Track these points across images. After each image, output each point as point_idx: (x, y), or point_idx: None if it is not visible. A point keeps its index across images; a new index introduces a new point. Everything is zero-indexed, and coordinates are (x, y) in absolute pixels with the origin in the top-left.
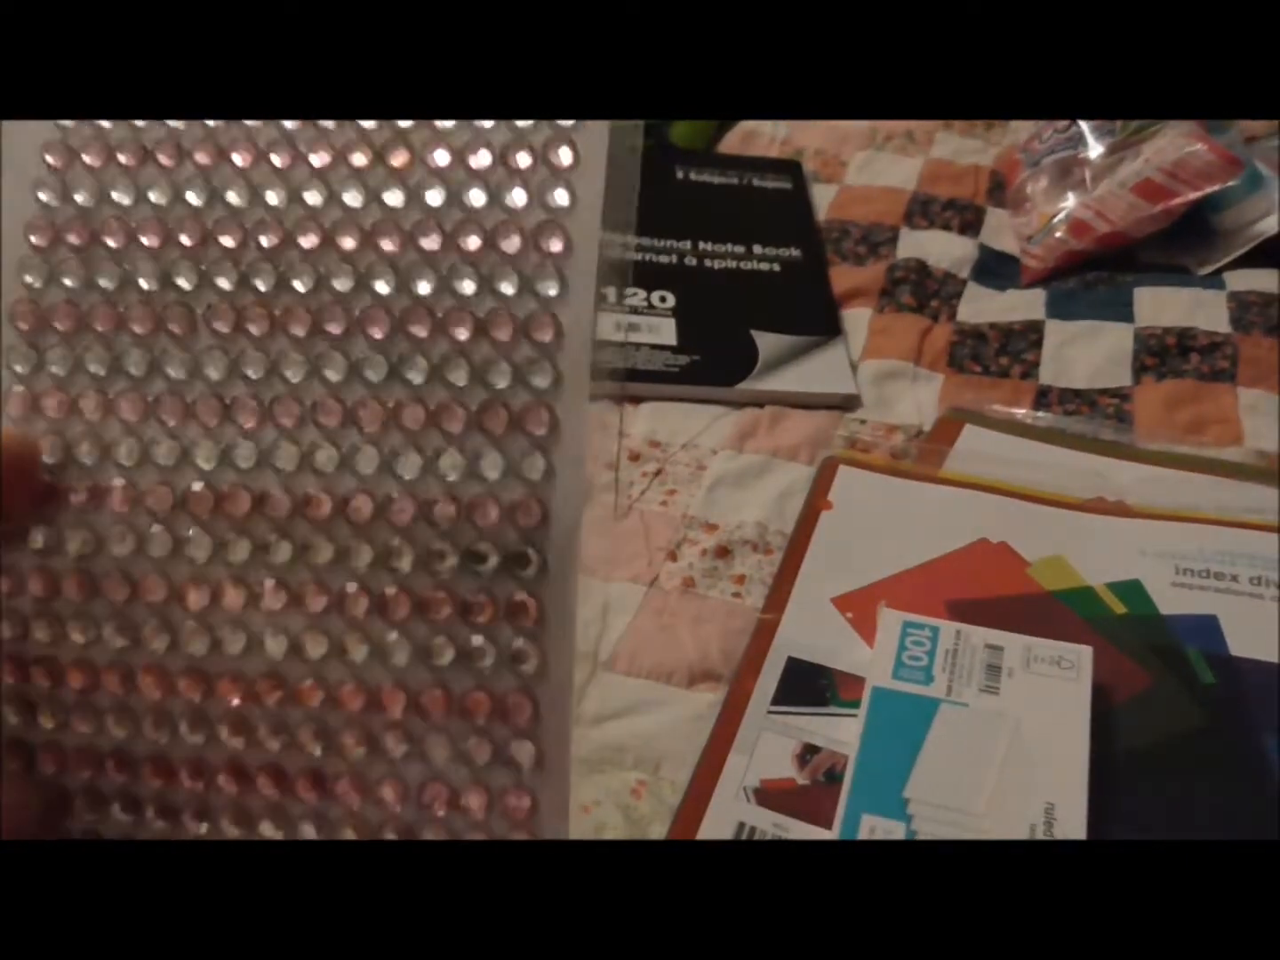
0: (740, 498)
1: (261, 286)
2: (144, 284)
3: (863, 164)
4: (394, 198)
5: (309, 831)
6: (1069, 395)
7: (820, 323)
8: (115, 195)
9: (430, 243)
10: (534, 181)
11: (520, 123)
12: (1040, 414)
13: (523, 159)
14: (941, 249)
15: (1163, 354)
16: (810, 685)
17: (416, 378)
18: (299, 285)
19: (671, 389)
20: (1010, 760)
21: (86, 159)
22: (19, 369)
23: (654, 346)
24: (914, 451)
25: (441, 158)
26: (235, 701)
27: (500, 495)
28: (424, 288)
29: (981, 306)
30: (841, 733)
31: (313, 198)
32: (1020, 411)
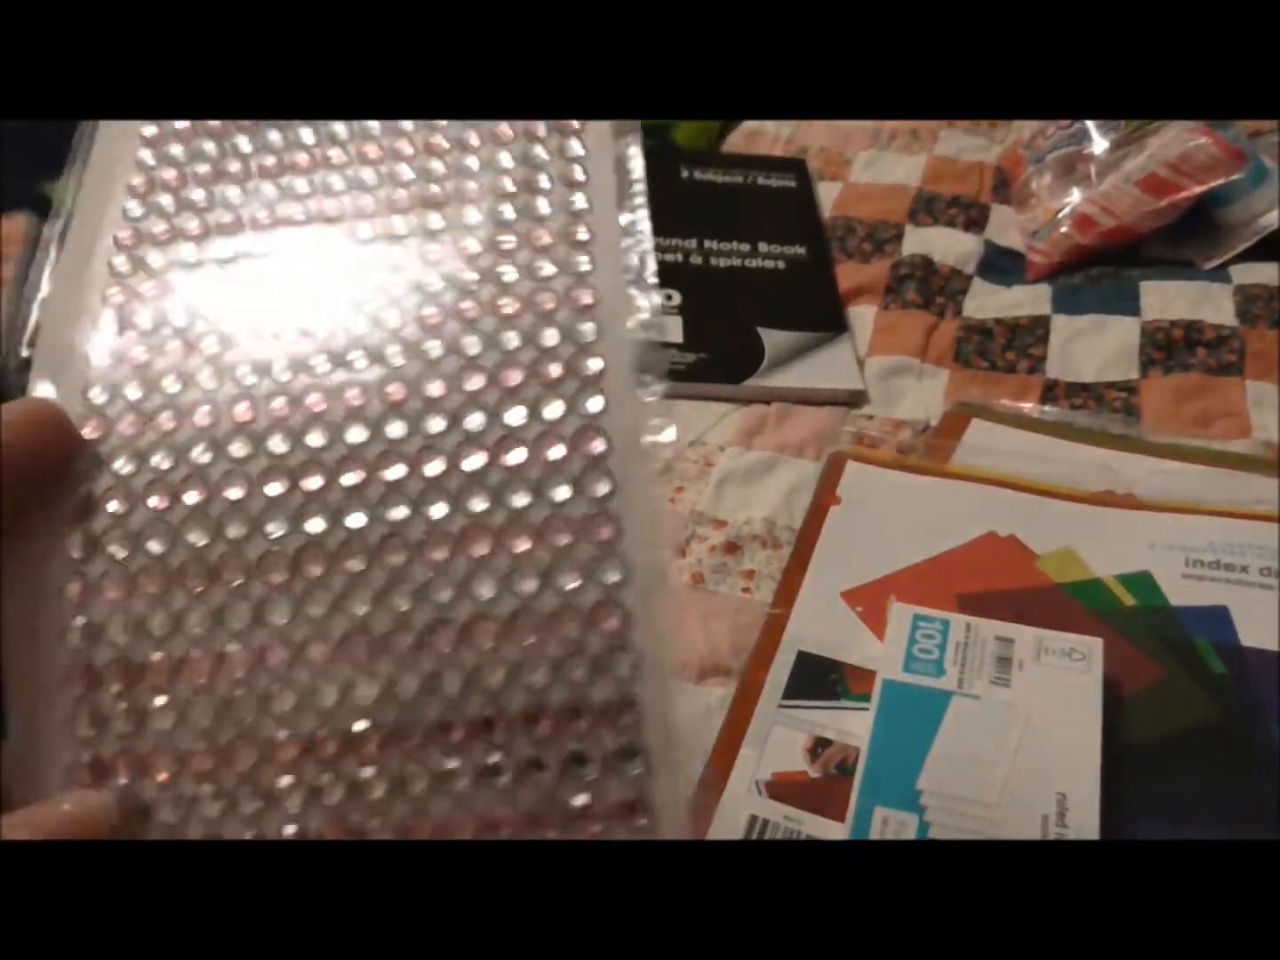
0: (748, 494)
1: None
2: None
3: (867, 162)
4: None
5: None
6: (1076, 389)
7: (826, 320)
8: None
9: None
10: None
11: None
12: (1047, 408)
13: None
14: (947, 245)
15: (1169, 348)
16: (821, 679)
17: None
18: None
19: (678, 386)
20: (1022, 752)
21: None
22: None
23: (660, 345)
24: (921, 446)
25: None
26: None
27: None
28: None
29: (987, 302)
30: (853, 726)
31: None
32: (1027, 406)
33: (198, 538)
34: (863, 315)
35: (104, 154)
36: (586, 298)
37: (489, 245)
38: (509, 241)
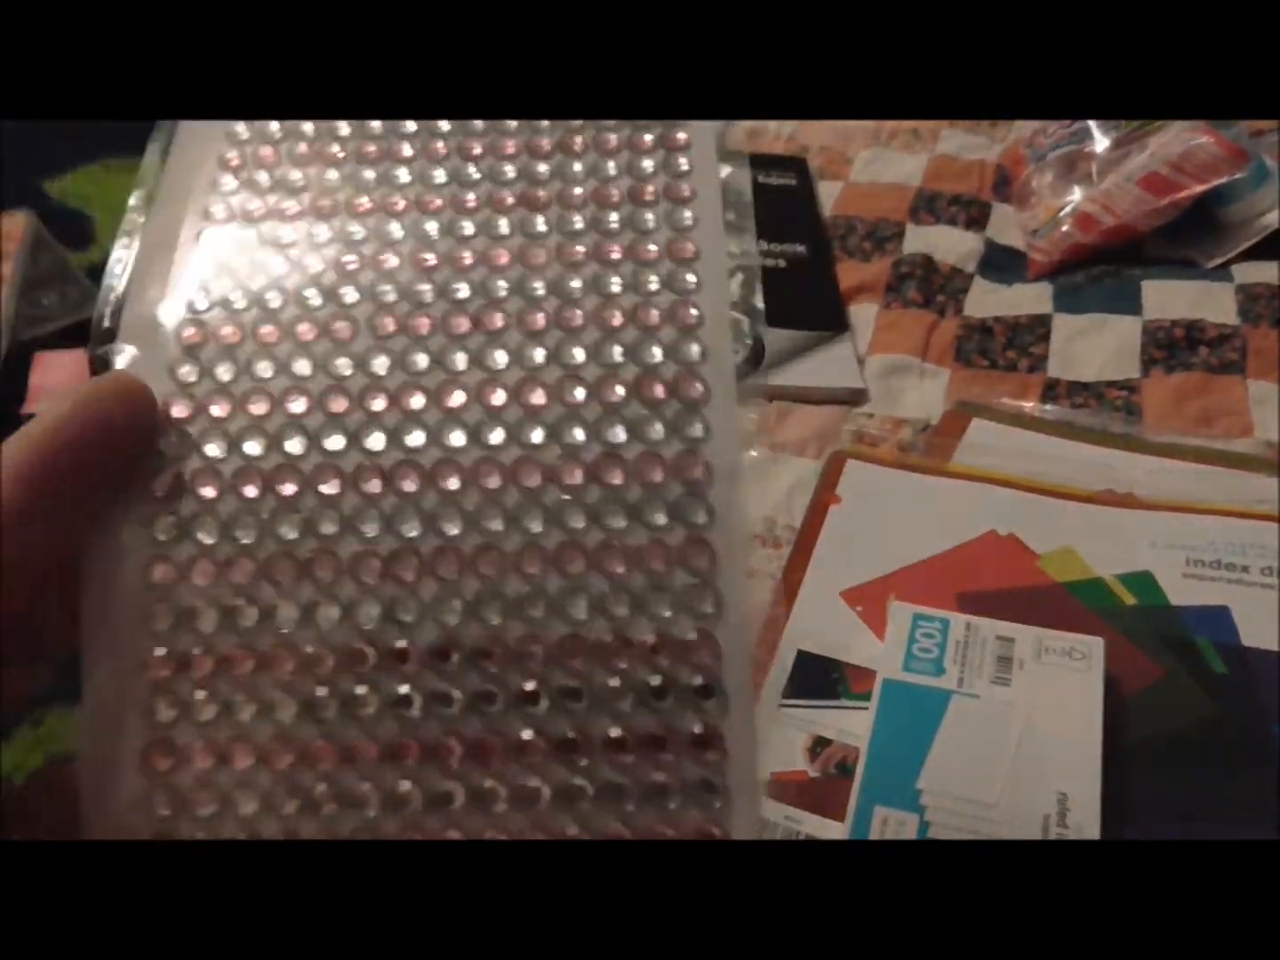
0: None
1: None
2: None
3: (868, 160)
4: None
5: None
6: (1077, 388)
7: (827, 318)
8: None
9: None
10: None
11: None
12: (1048, 407)
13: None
14: (947, 244)
15: (1171, 346)
16: (821, 678)
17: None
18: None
19: None
20: (1022, 751)
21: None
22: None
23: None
24: (922, 445)
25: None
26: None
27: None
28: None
29: (988, 301)
30: (853, 725)
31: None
32: (1028, 405)
33: (289, 531)
34: (864, 313)
35: (195, 125)
36: (691, 317)
37: (594, 253)
38: (614, 252)
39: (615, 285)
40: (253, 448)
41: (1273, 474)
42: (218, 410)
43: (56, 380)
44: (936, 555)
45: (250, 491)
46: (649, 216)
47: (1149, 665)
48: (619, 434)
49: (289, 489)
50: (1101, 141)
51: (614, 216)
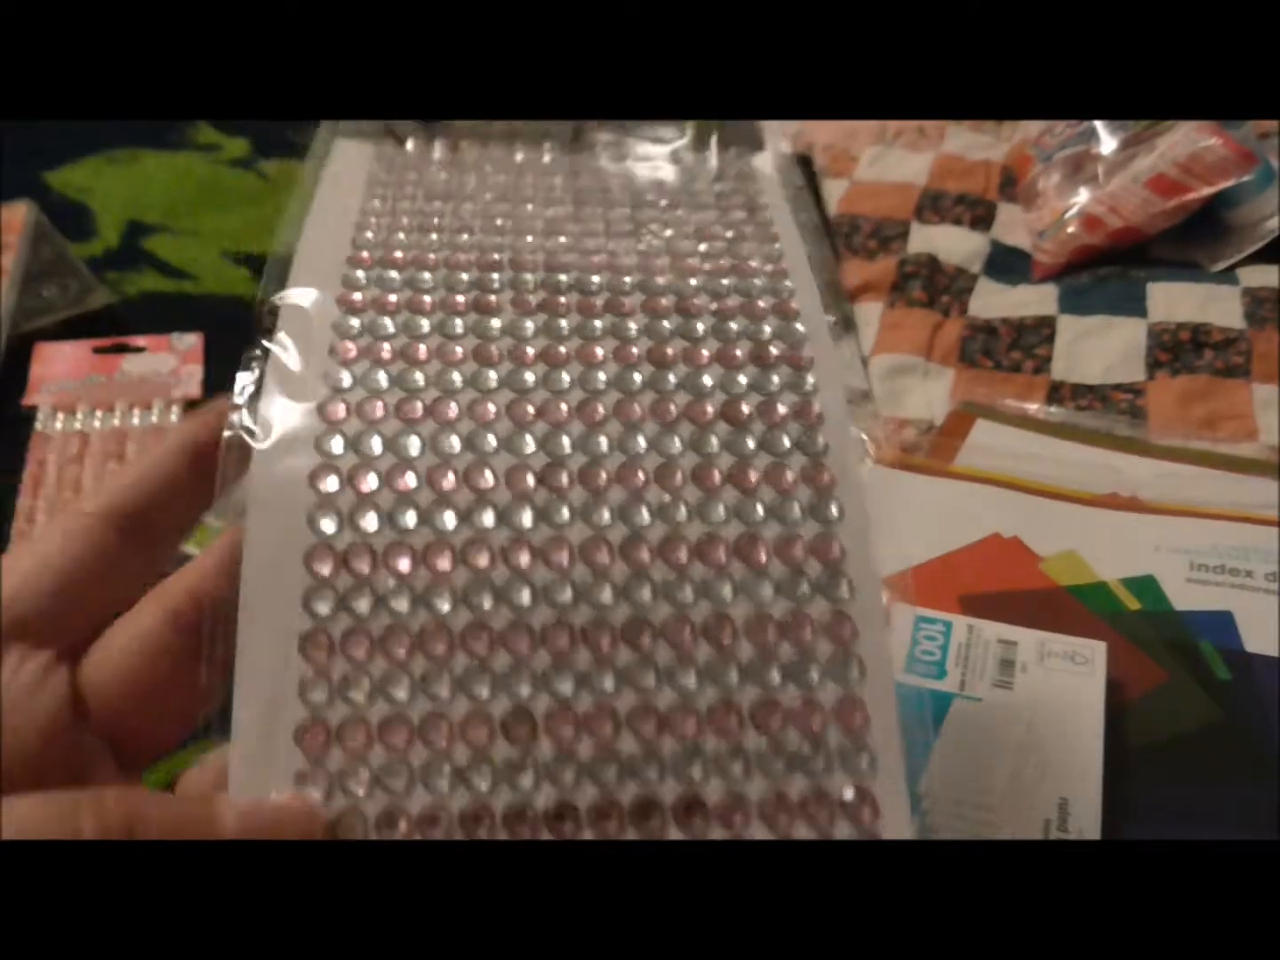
0: None
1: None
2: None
3: (873, 159)
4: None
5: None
6: (1082, 390)
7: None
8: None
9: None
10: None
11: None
12: (1053, 409)
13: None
14: (953, 244)
15: (1176, 349)
16: None
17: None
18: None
19: None
20: (1024, 755)
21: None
22: (316, 699)
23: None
24: (925, 446)
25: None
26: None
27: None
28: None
29: (993, 301)
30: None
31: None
32: (1032, 406)
33: (442, 604)
34: (868, 313)
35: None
36: (824, 478)
37: (722, 411)
38: (745, 410)
39: (749, 445)
40: (405, 520)
41: (1276, 478)
42: (361, 478)
43: (57, 372)
44: (939, 557)
45: (403, 566)
46: (774, 378)
47: (1152, 669)
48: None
49: (445, 564)
50: (1108, 143)
51: (741, 377)
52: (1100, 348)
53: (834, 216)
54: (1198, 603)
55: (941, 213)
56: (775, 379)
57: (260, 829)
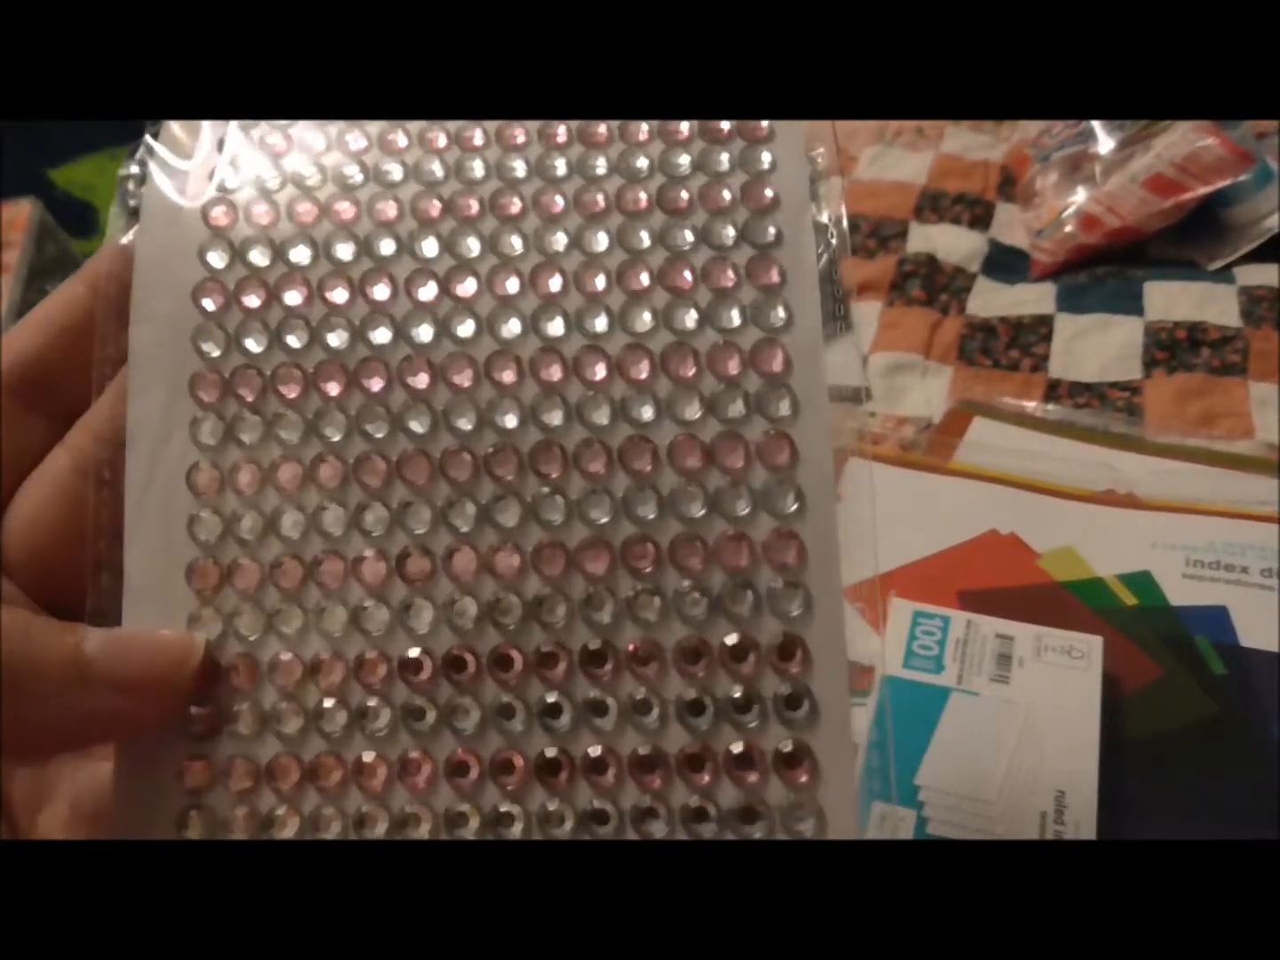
0: None
1: (462, 333)
2: (333, 341)
3: (872, 158)
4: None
5: None
6: (1079, 388)
7: (829, 316)
8: (292, 254)
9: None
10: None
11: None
12: (1050, 407)
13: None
14: (951, 243)
15: (1173, 348)
16: None
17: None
18: (506, 330)
19: None
20: (1021, 749)
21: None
22: (207, 441)
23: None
24: (924, 443)
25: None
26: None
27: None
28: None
29: (991, 300)
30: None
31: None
32: (1030, 404)
33: (333, 433)
34: (867, 311)
35: None
36: (772, 275)
37: (658, 197)
38: (685, 196)
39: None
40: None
41: (1273, 475)
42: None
43: None
44: (937, 553)
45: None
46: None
47: (1148, 664)
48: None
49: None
50: (1106, 143)
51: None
52: (1097, 346)
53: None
54: (1193, 598)
55: (940, 212)
56: (724, 157)
57: (122, 656)
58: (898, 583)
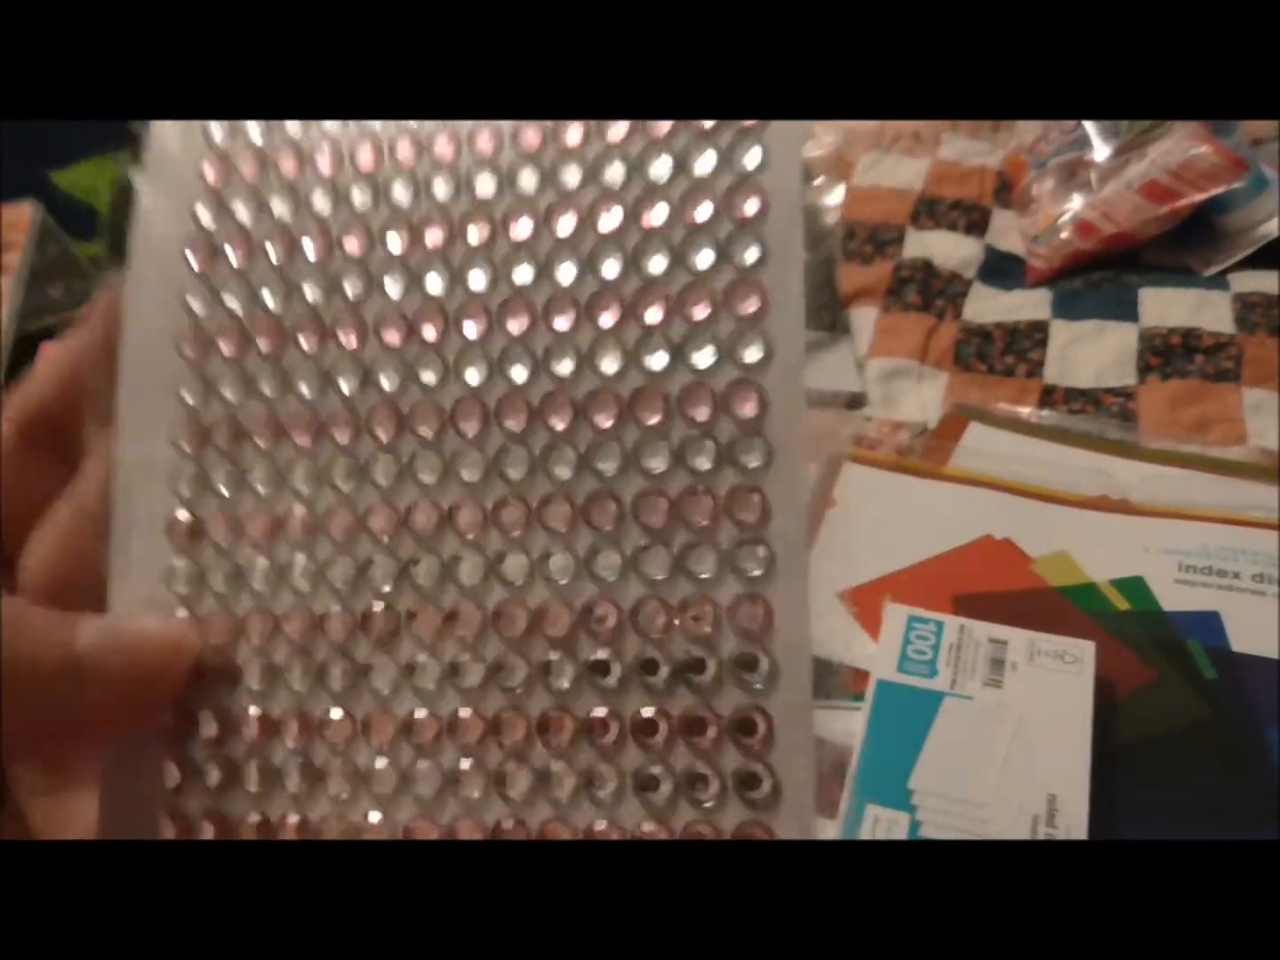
0: None
1: (427, 380)
2: (309, 296)
3: (870, 164)
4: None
5: None
6: (1074, 394)
7: (827, 321)
8: (276, 209)
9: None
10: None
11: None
12: (1045, 412)
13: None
14: (948, 249)
15: (1167, 354)
16: (815, 678)
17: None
18: (473, 374)
19: None
20: (1013, 752)
21: (243, 171)
22: (189, 399)
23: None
24: (919, 448)
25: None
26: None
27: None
28: (611, 366)
29: (987, 306)
30: (846, 725)
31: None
32: (1025, 410)
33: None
34: (863, 317)
35: None
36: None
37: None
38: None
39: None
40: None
41: (1264, 481)
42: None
43: None
44: (932, 558)
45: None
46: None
47: (1140, 668)
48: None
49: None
50: (1102, 149)
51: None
52: (1092, 352)
53: (831, 222)
54: (1186, 603)
55: (937, 218)
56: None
57: (116, 649)
58: (892, 587)
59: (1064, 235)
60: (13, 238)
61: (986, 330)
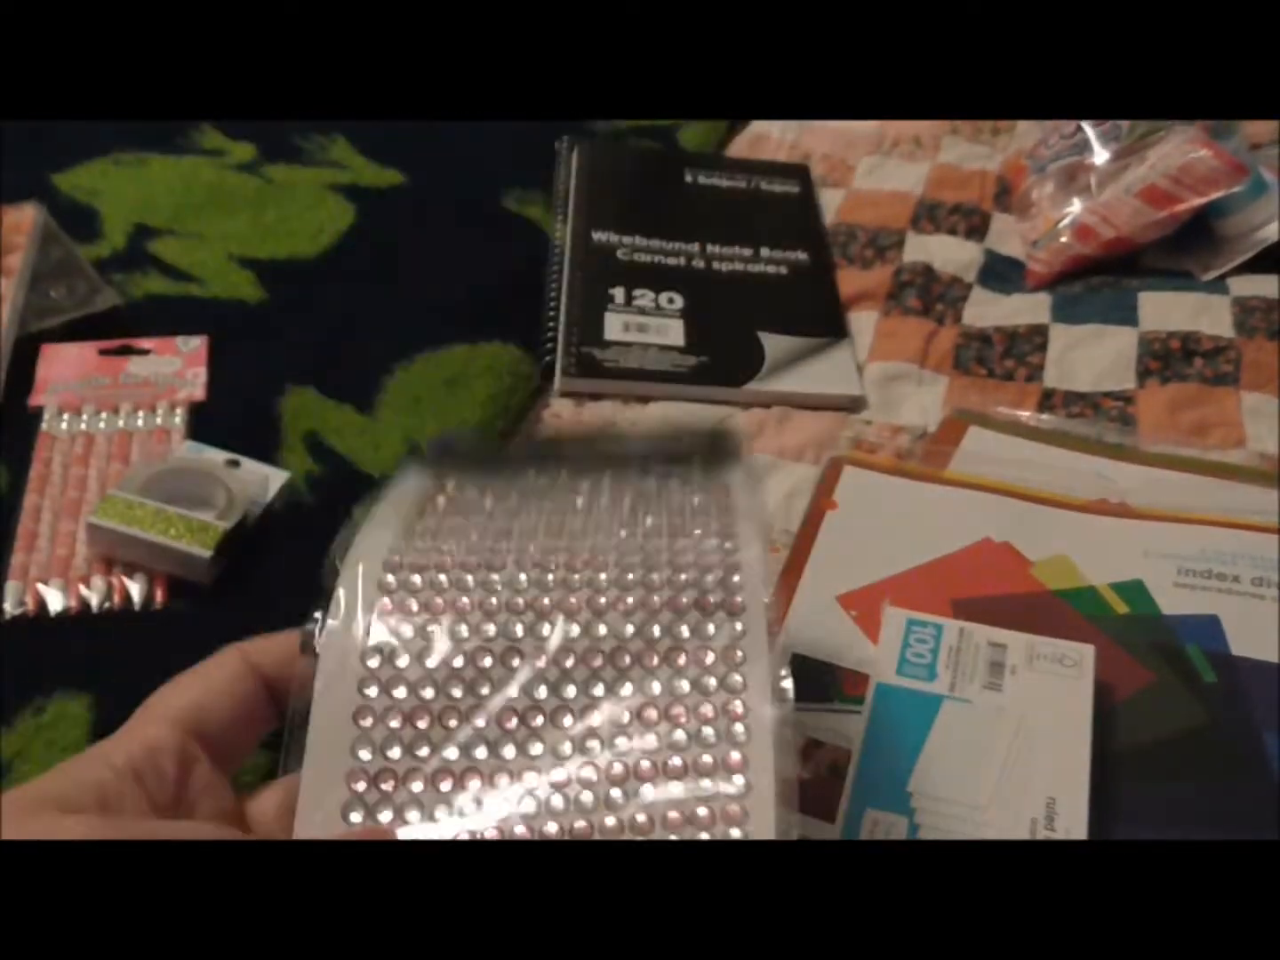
0: None
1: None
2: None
3: (870, 168)
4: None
5: None
6: (1073, 398)
7: (827, 325)
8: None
9: None
10: None
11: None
12: (1044, 416)
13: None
14: (948, 253)
15: (1167, 358)
16: (814, 681)
17: None
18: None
19: (679, 389)
20: (1012, 756)
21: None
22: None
23: (662, 347)
24: (919, 452)
25: None
26: None
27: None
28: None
29: (987, 310)
30: (845, 728)
31: None
32: (1025, 414)
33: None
34: (863, 321)
35: None
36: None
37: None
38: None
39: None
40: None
41: (1264, 485)
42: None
43: (63, 373)
44: (931, 561)
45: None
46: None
47: (1139, 672)
48: None
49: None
50: (1101, 154)
51: None
52: (1092, 356)
53: (830, 226)
54: (1185, 607)
55: (937, 222)
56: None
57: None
58: (891, 590)
59: (1064, 239)
60: (15, 239)
61: (986, 334)
